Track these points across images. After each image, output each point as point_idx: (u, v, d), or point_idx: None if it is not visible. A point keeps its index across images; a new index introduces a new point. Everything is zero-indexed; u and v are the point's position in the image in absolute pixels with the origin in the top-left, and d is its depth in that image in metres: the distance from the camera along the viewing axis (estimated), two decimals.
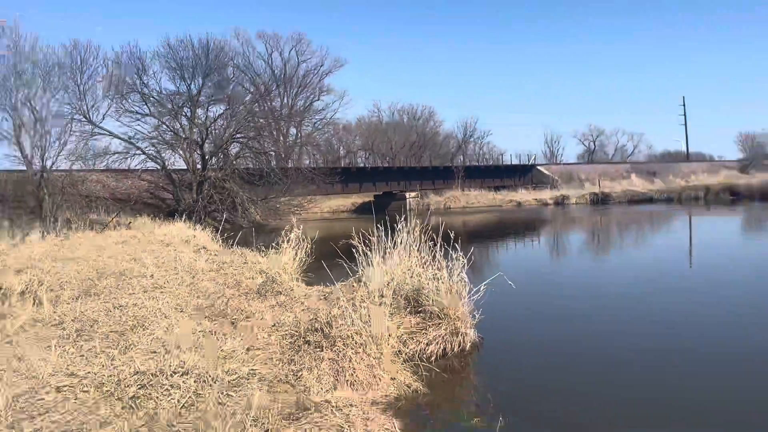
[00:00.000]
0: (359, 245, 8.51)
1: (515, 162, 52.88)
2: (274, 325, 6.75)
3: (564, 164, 59.86)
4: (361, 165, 48.67)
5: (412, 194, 44.66)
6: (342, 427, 4.28)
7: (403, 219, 8.80)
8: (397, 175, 44.26)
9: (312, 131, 49.36)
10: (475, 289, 7.65)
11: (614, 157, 74.82)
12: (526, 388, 6.14)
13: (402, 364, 6.29)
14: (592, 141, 74.56)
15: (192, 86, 24.07)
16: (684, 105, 71.52)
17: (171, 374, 4.72)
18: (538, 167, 52.54)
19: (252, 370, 5.27)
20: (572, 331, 8.14)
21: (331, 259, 9.79)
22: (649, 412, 5.42)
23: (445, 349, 7.01)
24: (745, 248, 17.19)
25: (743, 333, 7.76)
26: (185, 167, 23.46)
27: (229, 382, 4.87)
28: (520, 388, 6.11)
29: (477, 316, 7.50)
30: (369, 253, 8.43)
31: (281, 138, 36.22)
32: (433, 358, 6.82)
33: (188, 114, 23.82)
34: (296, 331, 6.42)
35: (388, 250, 8.52)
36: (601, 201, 41.53)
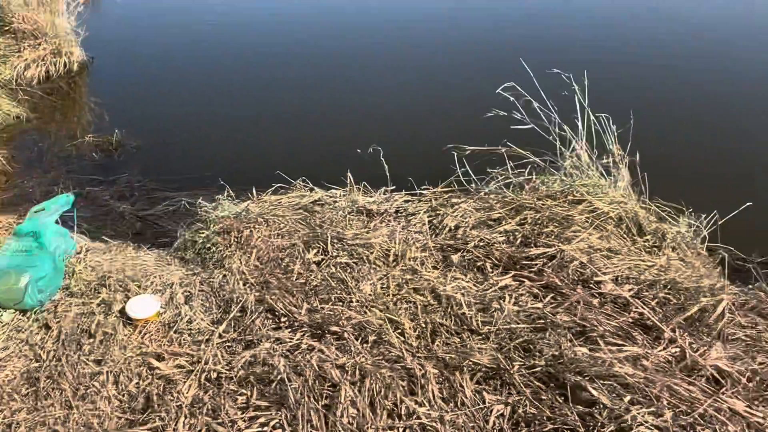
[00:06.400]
0: None
1: None
2: None
3: None
4: None
5: None
6: None
7: None
8: None
9: None
10: (75, 2, 7.81)
11: None
12: (142, 102, 7.02)
13: None
14: None
15: None
16: None
17: None
18: None
19: None
20: (198, 40, 9.04)
21: None
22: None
23: (48, 71, 7.35)
24: None
25: None
26: None
27: None
28: (135, 104, 6.96)
29: (82, 33, 7.79)
30: None
31: None
32: (35, 83, 7.15)
33: None
34: None
35: None
36: None
